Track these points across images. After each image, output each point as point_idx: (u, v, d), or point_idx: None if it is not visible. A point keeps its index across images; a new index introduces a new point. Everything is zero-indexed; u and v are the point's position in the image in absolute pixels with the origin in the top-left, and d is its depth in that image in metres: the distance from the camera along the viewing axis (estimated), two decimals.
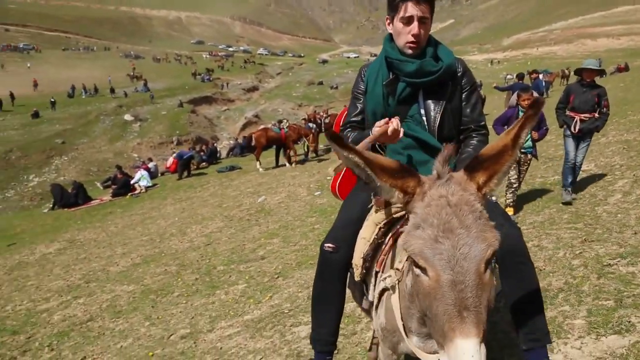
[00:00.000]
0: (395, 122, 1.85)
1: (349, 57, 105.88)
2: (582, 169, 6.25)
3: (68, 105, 45.13)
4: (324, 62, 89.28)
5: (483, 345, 1.03)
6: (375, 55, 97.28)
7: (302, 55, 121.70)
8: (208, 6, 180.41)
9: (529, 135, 5.01)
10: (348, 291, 2.08)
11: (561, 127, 5.89)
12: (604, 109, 5.53)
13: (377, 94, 2.07)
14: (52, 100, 42.04)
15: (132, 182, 16.44)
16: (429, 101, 2.02)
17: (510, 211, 5.35)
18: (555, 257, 3.67)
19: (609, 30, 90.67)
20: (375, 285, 1.70)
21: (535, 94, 5.47)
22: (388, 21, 2.05)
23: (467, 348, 1.01)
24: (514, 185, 5.49)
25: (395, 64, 2.01)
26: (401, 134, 1.88)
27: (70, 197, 15.38)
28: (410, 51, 1.99)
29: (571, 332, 2.56)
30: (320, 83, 58.69)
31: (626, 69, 35.94)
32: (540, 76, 27.21)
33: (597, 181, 6.23)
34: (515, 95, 5.63)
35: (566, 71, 37.56)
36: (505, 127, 5.11)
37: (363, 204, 1.98)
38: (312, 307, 2.11)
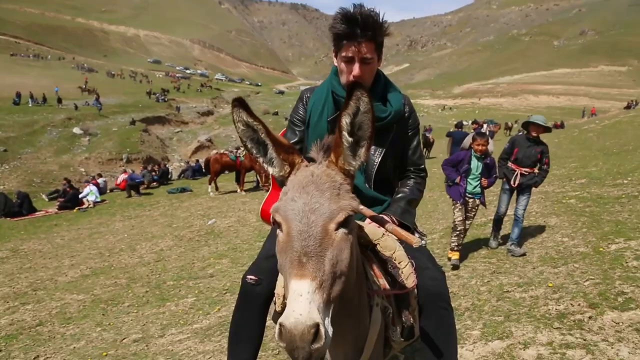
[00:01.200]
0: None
1: None
2: (506, 214, 7.06)
3: (12, 113, 43.45)
4: (281, 92, 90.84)
5: (318, 296, 1.07)
6: None
7: (260, 84, 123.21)
8: (168, 27, 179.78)
9: (478, 182, 5.38)
10: (270, 323, 2.05)
11: (501, 178, 5.83)
12: (545, 165, 5.58)
13: (322, 128, 2.03)
14: None
15: (80, 196, 16.29)
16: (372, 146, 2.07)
17: (454, 255, 5.23)
18: (468, 285, 4.39)
19: (550, 89, 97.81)
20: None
21: (490, 140, 5.53)
22: (334, 54, 1.99)
23: (299, 288, 1.06)
24: (459, 229, 5.31)
25: (342, 103, 1.83)
26: None
27: (14, 206, 15.07)
28: None
29: (468, 339, 3.23)
30: (276, 113, 59.57)
31: (562, 126, 38.92)
32: (485, 126, 29.14)
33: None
34: (469, 137, 5.71)
35: (509, 124, 40.23)
36: (456, 168, 5.43)
37: None
38: (229, 340, 2.02)
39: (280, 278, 1.79)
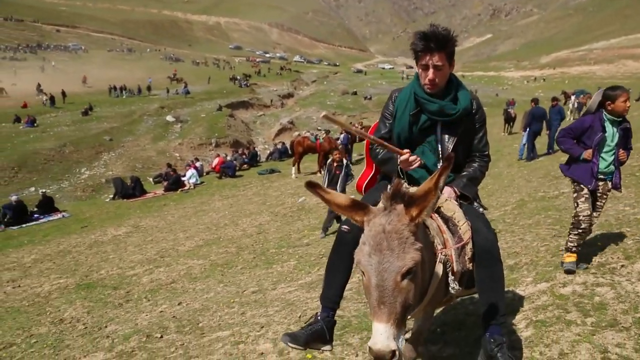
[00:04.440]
0: (409, 157, 2.35)
1: (383, 68, 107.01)
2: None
3: (113, 105, 47.88)
4: (359, 71, 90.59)
5: (395, 330, 1.48)
6: (410, 67, 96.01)
7: (337, 64, 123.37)
8: (247, 12, 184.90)
9: (614, 156, 3.92)
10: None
11: None
12: None
13: (404, 120, 2.46)
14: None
15: (183, 179, 18.26)
16: (445, 135, 2.43)
17: (570, 258, 3.96)
18: (530, 246, 5.06)
19: None
20: None
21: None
22: (416, 63, 2.40)
23: (378, 329, 1.47)
24: (582, 226, 3.92)
25: (421, 102, 2.40)
26: (415, 165, 2.36)
27: (129, 189, 17.33)
28: (428, 90, 2.38)
29: (522, 284, 3.98)
30: (355, 93, 59.71)
31: None
32: (572, 98, 27.75)
33: None
34: (598, 95, 3.99)
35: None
36: (578, 140, 4.05)
37: (375, 198, 2.27)
38: (325, 274, 2.45)
39: None
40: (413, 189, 2.17)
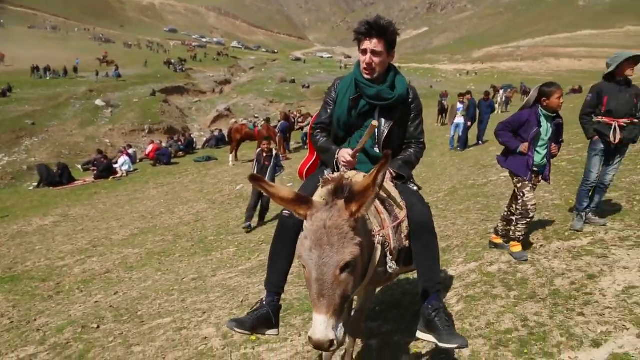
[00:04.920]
0: (348, 157, 2.45)
1: (322, 57, 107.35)
2: (505, 174, 7.95)
3: (36, 86, 44.79)
4: (298, 59, 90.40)
5: (333, 320, 1.58)
6: (348, 56, 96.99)
7: (276, 51, 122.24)
8: None
9: (547, 150, 4.10)
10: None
11: (590, 138, 4.59)
12: None
13: (344, 105, 2.56)
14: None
15: (115, 166, 17.53)
16: (382, 119, 2.53)
17: (516, 247, 4.08)
18: (461, 229, 5.40)
19: (573, 52, 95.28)
20: None
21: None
22: (358, 49, 2.52)
23: (318, 320, 1.57)
24: (531, 215, 4.04)
25: (361, 86, 2.51)
26: (349, 166, 2.46)
27: (55, 176, 16.39)
28: (366, 76, 2.50)
29: (454, 264, 4.26)
30: (293, 81, 59.60)
31: (579, 90, 38.25)
32: (501, 92, 29.34)
33: (509, 183, 8.03)
34: (535, 91, 4.14)
35: (527, 88, 39.85)
36: (516, 134, 4.17)
37: (314, 184, 2.41)
38: (268, 259, 2.54)
39: None
40: (352, 174, 2.33)
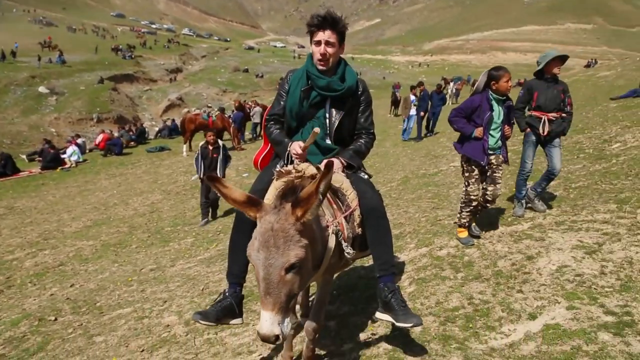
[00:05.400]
0: (299, 150, 2.50)
1: (275, 46, 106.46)
2: (454, 164, 8.34)
3: None
4: (251, 48, 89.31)
5: (279, 316, 1.68)
6: (302, 46, 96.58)
7: (229, 39, 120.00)
8: None
9: (500, 133, 4.18)
10: None
11: (523, 130, 4.85)
12: (568, 107, 4.75)
13: (296, 96, 2.64)
14: None
15: (64, 156, 16.91)
16: (333, 109, 2.64)
17: (463, 233, 4.36)
18: (413, 217, 5.67)
19: (518, 46, 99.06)
20: None
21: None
22: (310, 42, 2.63)
23: (264, 316, 1.68)
24: (474, 203, 4.22)
25: (312, 78, 2.61)
26: (299, 159, 2.52)
27: None
28: (320, 67, 2.59)
29: (406, 250, 4.51)
30: (246, 70, 58.92)
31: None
32: (451, 84, 30.28)
33: (458, 173, 8.43)
34: (483, 76, 4.25)
35: (473, 80, 41.31)
36: (469, 119, 4.23)
37: (269, 176, 2.50)
38: (228, 252, 2.62)
39: None
40: (304, 166, 2.40)
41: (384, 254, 2.50)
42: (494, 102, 4.12)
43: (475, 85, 4.37)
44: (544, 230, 4.16)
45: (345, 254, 2.29)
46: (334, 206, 2.34)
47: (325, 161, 2.35)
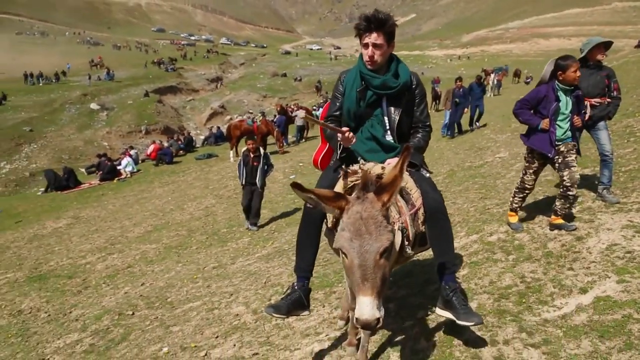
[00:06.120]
0: (347, 133, 2.54)
1: (311, 49, 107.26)
2: (499, 155, 8.37)
3: (30, 93, 44.86)
4: (287, 53, 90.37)
5: (377, 301, 1.70)
6: (337, 47, 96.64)
7: (265, 45, 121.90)
8: None
9: (569, 124, 4.06)
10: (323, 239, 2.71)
11: None
12: (614, 92, 4.68)
13: (352, 97, 2.71)
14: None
15: (119, 168, 17.89)
16: (391, 107, 2.69)
17: (513, 218, 4.45)
18: (462, 207, 5.82)
19: (561, 31, 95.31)
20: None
21: None
22: (360, 43, 2.66)
23: (364, 301, 1.68)
24: (527, 191, 4.37)
25: (366, 78, 2.65)
26: (353, 141, 2.58)
27: (62, 180, 16.76)
28: (369, 67, 2.65)
29: (457, 237, 4.66)
30: (284, 75, 59.65)
31: None
32: (492, 75, 29.60)
33: (504, 164, 8.44)
34: (550, 65, 4.14)
35: (517, 70, 40.10)
36: (535, 111, 4.16)
37: (333, 176, 2.63)
38: (296, 247, 2.72)
39: None
40: (369, 165, 2.51)
41: (446, 254, 2.57)
42: (560, 93, 4.05)
43: (541, 75, 4.28)
44: (593, 213, 4.24)
45: (404, 253, 2.37)
46: (399, 204, 2.39)
47: (404, 145, 2.39)
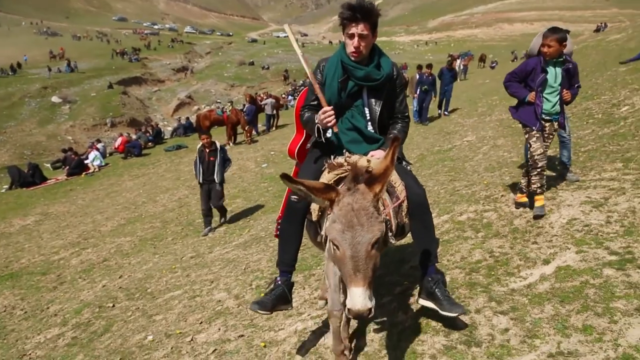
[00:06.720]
0: (329, 112, 2.50)
1: (278, 37, 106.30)
2: (467, 139, 8.67)
3: None
4: (254, 41, 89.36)
5: (369, 291, 1.70)
6: (304, 34, 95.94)
7: (231, 33, 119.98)
8: None
9: (558, 97, 4.01)
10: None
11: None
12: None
13: (333, 87, 2.63)
14: None
15: (86, 161, 17.53)
16: (372, 99, 2.65)
17: (539, 201, 4.02)
18: (432, 189, 6.04)
19: (524, 16, 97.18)
20: (326, 224, 2.07)
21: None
22: (343, 32, 2.59)
23: (356, 292, 1.69)
24: (539, 165, 4.02)
25: (349, 69, 2.59)
26: (332, 122, 2.52)
27: (27, 177, 16.31)
28: (353, 58, 2.58)
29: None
30: (252, 63, 58.98)
31: None
32: (458, 61, 30.11)
33: (471, 147, 8.74)
34: (538, 38, 4.08)
35: (482, 56, 40.84)
36: (524, 83, 4.11)
37: (316, 168, 2.59)
38: (279, 241, 2.70)
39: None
40: (355, 158, 2.44)
41: (428, 246, 2.62)
42: (550, 66, 3.97)
43: (529, 48, 4.25)
44: (555, 191, 4.49)
45: (389, 244, 2.38)
46: (383, 197, 2.32)
47: (393, 136, 2.47)
